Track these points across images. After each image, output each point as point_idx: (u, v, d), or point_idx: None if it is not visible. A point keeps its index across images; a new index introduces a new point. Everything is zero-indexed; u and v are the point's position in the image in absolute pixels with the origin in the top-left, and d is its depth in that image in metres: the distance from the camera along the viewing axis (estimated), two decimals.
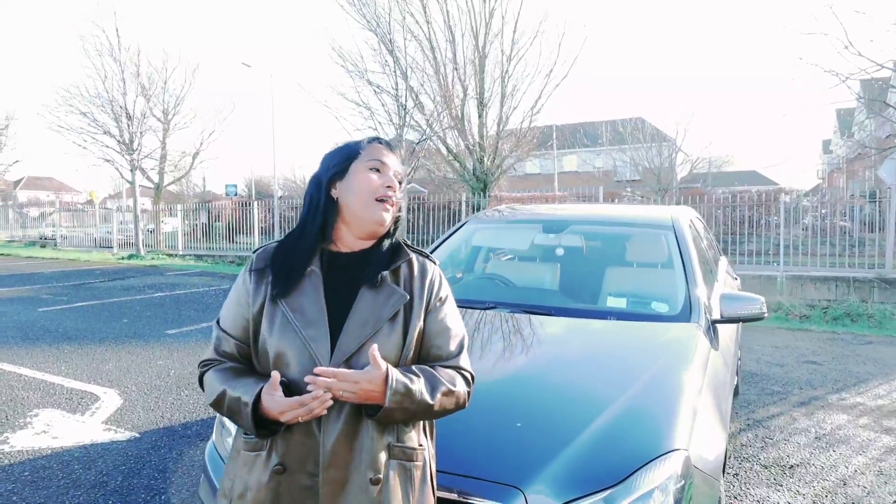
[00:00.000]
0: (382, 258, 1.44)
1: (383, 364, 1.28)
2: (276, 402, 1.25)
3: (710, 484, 1.91)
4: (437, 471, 1.72)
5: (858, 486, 3.32)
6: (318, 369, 1.25)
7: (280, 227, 17.97)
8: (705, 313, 2.76)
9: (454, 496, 1.67)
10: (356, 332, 1.34)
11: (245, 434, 1.39)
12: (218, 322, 1.46)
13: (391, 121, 14.10)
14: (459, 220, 4.04)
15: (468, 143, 14.18)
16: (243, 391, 1.31)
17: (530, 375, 2.27)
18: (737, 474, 3.44)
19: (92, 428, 4.12)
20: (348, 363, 1.32)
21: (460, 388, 1.39)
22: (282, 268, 1.40)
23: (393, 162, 1.46)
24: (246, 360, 1.42)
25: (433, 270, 1.49)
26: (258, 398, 1.28)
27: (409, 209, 15.44)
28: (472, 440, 1.87)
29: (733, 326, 3.44)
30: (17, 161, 26.73)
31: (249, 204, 18.14)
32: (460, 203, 14.25)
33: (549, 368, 2.33)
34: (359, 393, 1.25)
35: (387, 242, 1.48)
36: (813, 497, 3.18)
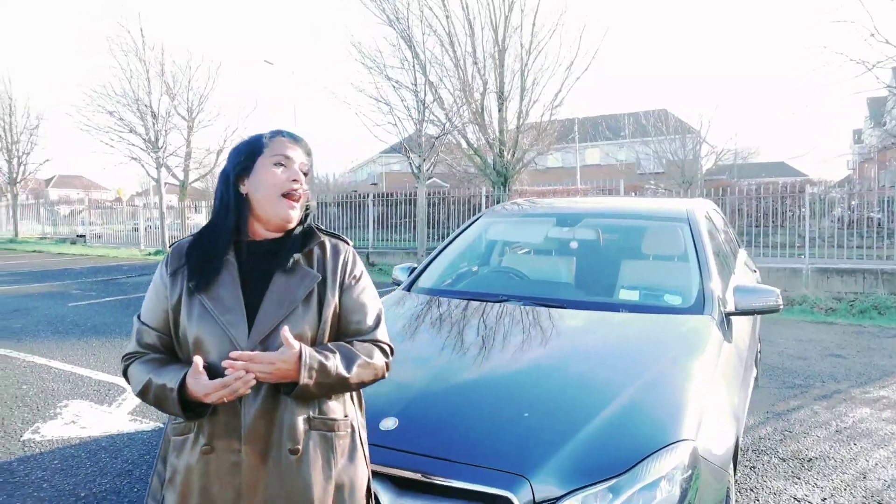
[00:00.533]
0: (295, 243, 1.49)
1: (296, 344, 1.34)
2: (200, 385, 1.30)
3: (719, 475, 1.92)
4: (445, 459, 1.78)
5: (879, 479, 3.28)
6: (233, 353, 1.30)
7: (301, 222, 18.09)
8: (719, 305, 2.75)
9: (461, 484, 1.71)
10: (271, 313, 1.40)
11: (174, 421, 1.45)
12: (139, 316, 1.50)
13: (410, 116, 14.13)
14: None
15: (488, 138, 14.16)
16: (168, 378, 1.36)
17: (539, 367, 2.29)
18: (754, 467, 3.42)
19: (118, 418, 4.24)
20: (265, 344, 1.38)
21: (377, 360, 1.47)
22: (197, 262, 1.45)
23: (297, 154, 1.49)
24: (168, 350, 1.47)
25: (346, 251, 1.56)
26: (183, 383, 1.33)
27: (430, 204, 15.47)
28: (480, 430, 1.90)
29: (750, 319, 3.42)
30: (47, 160, 27.25)
31: None
32: (481, 197, 14.25)
33: (558, 360, 2.35)
34: (274, 373, 1.31)
35: (298, 228, 1.52)
36: (831, 490, 3.16)
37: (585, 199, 4.65)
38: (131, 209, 23.75)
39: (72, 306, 8.89)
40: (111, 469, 3.44)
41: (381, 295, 3.35)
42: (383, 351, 1.51)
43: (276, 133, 1.52)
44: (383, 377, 1.52)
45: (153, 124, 19.48)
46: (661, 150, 25.00)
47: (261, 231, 1.50)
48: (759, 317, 4.36)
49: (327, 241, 1.55)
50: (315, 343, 1.43)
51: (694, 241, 3.14)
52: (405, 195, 16.39)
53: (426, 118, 14.11)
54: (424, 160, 14.19)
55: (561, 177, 32.20)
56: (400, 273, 3.65)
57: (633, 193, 15.61)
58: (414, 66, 13.96)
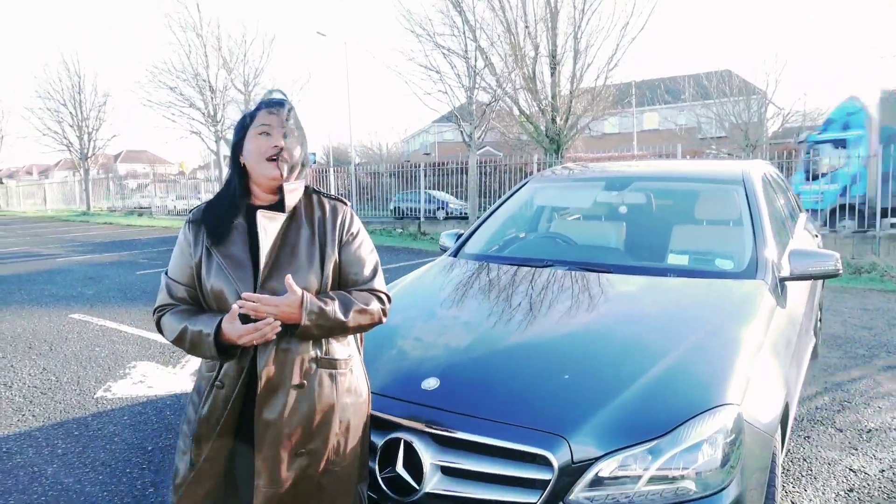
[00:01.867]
0: (279, 205, 1.65)
1: (298, 290, 1.53)
2: (235, 328, 1.50)
3: (764, 441, 1.88)
4: (484, 419, 1.81)
5: None
6: (244, 294, 1.49)
7: (357, 193, 18.38)
8: (773, 270, 2.66)
9: (499, 443, 1.74)
10: (279, 269, 1.59)
11: (207, 362, 1.68)
12: (167, 272, 1.71)
13: (461, 83, 14.00)
14: None
15: (540, 104, 13.91)
16: (204, 325, 1.56)
17: (582, 331, 2.28)
18: (808, 436, 3.33)
19: (182, 378, 4.47)
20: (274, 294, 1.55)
21: (374, 306, 1.66)
22: (213, 223, 1.65)
23: (279, 120, 1.63)
24: (195, 302, 1.67)
25: (344, 211, 1.74)
26: (219, 328, 1.53)
27: (482, 172, 15.39)
28: (520, 391, 1.91)
29: (808, 286, 3.29)
30: (115, 136, 28.61)
31: (326, 172, 18.64)
32: (533, 165, 14.07)
33: (602, 324, 2.33)
34: (279, 315, 1.50)
35: (294, 189, 1.66)
36: (890, 462, 3.04)
37: (636, 163, 4.53)
38: (193, 182, 24.58)
39: (139, 274, 9.34)
40: (175, 425, 3.64)
41: (428, 262, 3.40)
42: (380, 299, 1.69)
43: (261, 105, 1.67)
44: (380, 322, 1.71)
45: (211, 98, 20.00)
46: (724, 113, 23.93)
47: (262, 195, 1.68)
48: (819, 284, 4.19)
49: (327, 202, 1.74)
50: (319, 293, 1.62)
51: (749, 204, 3.03)
52: (457, 164, 16.36)
53: (477, 85, 13.97)
54: (476, 128, 14.09)
55: (617, 143, 31.38)
56: (447, 239, 3.67)
57: (687, 158, 15.08)
58: (464, 32, 13.80)
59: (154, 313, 1.70)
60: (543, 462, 1.69)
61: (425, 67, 14.46)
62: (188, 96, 20.44)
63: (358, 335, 1.78)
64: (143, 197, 27.24)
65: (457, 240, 3.58)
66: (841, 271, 2.75)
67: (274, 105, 1.65)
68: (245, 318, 1.52)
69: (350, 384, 1.70)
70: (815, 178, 11.34)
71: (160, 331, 1.68)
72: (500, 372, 2.04)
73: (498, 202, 3.84)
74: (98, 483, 3.00)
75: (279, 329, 1.51)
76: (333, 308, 1.57)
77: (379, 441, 1.90)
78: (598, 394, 1.85)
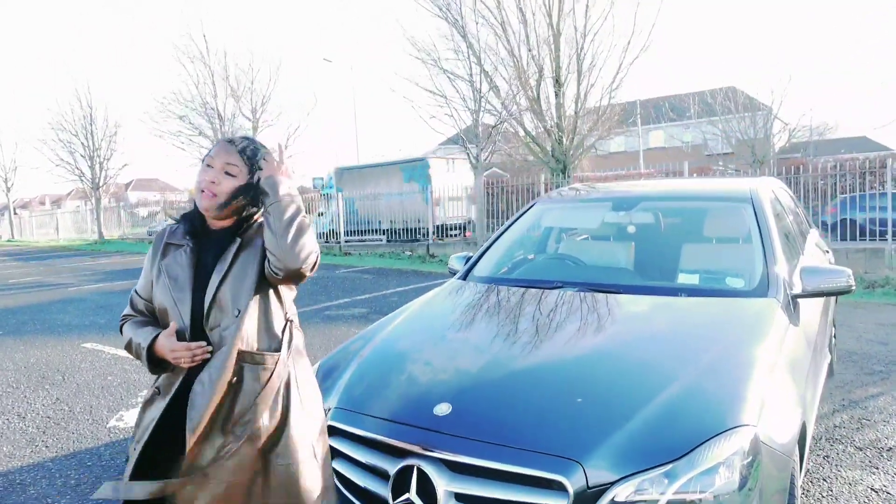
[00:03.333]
0: (234, 232, 1.78)
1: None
2: (168, 343, 1.65)
3: (782, 463, 1.86)
4: (497, 444, 1.80)
5: None
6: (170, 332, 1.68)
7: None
8: (784, 288, 2.64)
9: (513, 468, 1.72)
10: (212, 283, 1.71)
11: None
12: (135, 287, 1.87)
13: (466, 106, 14.12)
14: None
15: (546, 125, 13.98)
16: (142, 338, 1.71)
17: (594, 353, 2.28)
18: (827, 456, 3.28)
19: None
20: (209, 313, 1.69)
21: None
22: (165, 245, 1.81)
23: (221, 156, 1.74)
24: (152, 315, 1.81)
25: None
26: (153, 343, 1.69)
27: (489, 194, 15.43)
28: (533, 415, 1.90)
29: (821, 302, 3.27)
30: (125, 165, 28.79)
31: (334, 195, 18.74)
32: (540, 185, 14.11)
33: (614, 346, 2.33)
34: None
35: (239, 221, 1.79)
36: None
37: (643, 182, 4.54)
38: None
39: None
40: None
41: (435, 286, 3.40)
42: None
43: (216, 143, 1.81)
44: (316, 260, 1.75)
45: (220, 126, 20.24)
46: (730, 130, 23.92)
47: (212, 221, 1.80)
48: (832, 301, 4.16)
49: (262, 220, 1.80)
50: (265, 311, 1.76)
51: (758, 221, 3.02)
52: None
53: (482, 108, 14.08)
54: (482, 150, 14.17)
55: (623, 161, 31.45)
56: (456, 262, 3.68)
57: (693, 175, 15.07)
58: (468, 57, 13.96)
59: (120, 321, 1.86)
60: (558, 487, 1.68)
61: (431, 91, 14.62)
62: (197, 125, 20.75)
63: (288, 336, 1.80)
64: (153, 225, 27.47)
65: (466, 262, 3.59)
66: (853, 287, 2.72)
67: (222, 143, 1.79)
68: (182, 336, 1.69)
69: (268, 378, 1.71)
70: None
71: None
72: (512, 396, 2.04)
73: (506, 224, 3.85)
74: None
75: (208, 356, 1.65)
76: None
77: (392, 468, 1.89)
78: (611, 417, 1.84)
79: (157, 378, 1.77)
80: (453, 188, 16.57)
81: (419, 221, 17.21)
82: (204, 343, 1.65)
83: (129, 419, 4.25)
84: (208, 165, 1.74)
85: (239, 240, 1.76)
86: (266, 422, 1.70)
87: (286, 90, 39.27)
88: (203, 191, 1.73)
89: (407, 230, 17.37)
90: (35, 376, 5.41)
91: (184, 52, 20.42)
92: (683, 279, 2.90)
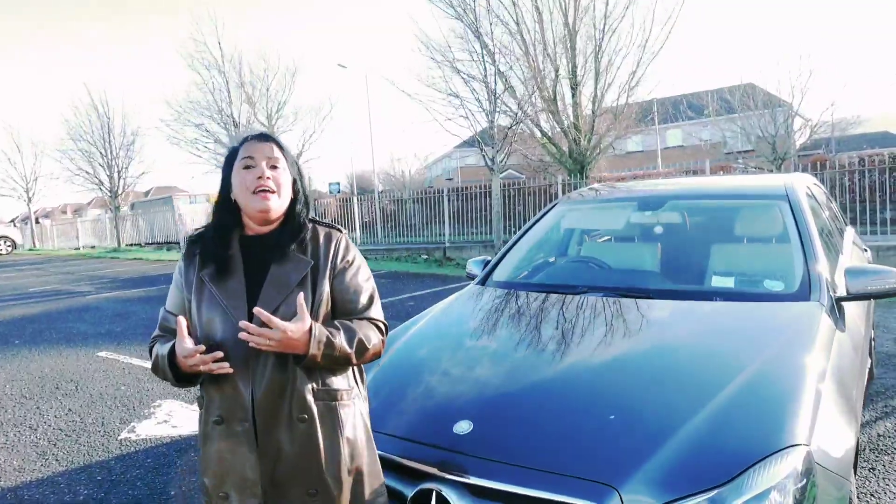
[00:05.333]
0: (287, 235, 1.62)
1: (308, 316, 1.48)
2: (182, 347, 1.47)
3: (838, 484, 1.68)
4: (524, 467, 1.65)
5: None
6: (255, 309, 1.42)
7: (381, 221, 18.38)
8: (828, 290, 2.46)
9: (542, 495, 1.57)
10: (270, 298, 1.53)
11: (198, 399, 1.64)
12: (164, 306, 1.69)
13: (482, 108, 13.97)
14: None
15: (562, 125, 13.80)
16: (165, 349, 1.55)
17: (625, 364, 2.11)
18: (873, 468, 3.08)
19: None
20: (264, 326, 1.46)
21: (375, 338, 1.61)
22: (205, 255, 1.62)
23: (262, 152, 1.59)
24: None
25: (338, 238, 1.68)
26: (173, 349, 1.51)
27: (505, 196, 15.28)
28: (561, 434, 1.75)
29: (862, 304, 3.07)
30: (143, 173, 28.99)
31: (350, 200, 18.71)
32: (557, 186, 13.91)
33: (645, 356, 2.16)
34: (283, 340, 1.42)
35: (291, 220, 1.65)
36: None
37: (669, 181, 4.36)
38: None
39: None
40: (198, 468, 3.52)
41: (457, 290, 3.26)
42: (379, 329, 1.65)
43: (244, 139, 1.64)
44: (380, 355, 1.66)
45: (235, 133, 20.28)
46: (749, 127, 23.50)
47: (253, 226, 1.64)
48: (872, 302, 3.94)
49: (321, 230, 1.68)
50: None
51: (795, 219, 2.84)
52: (480, 188, 16.27)
53: (498, 109, 13.92)
54: (498, 152, 14.02)
55: (641, 161, 31.10)
56: (474, 267, 3.53)
57: (721, 173, 14.77)
58: (483, 57, 13.80)
59: (149, 342, 1.69)
60: None
61: (445, 94, 14.49)
62: (213, 132, 20.80)
63: (357, 368, 1.70)
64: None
65: (484, 267, 3.44)
66: None
67: (257, 138, 1.63)
68: (220, 349, 1.49)
69: (352, 418, 1.61)
70: None
71: None
72: (537, 412, 1.88)
73: (525, 227, 3.70)
74: None
75: (224, 371, 1.46)
76: (341, 339, 1.53)
77: (409, 491, 1.75)
78: (649, 436, 1.68)
79: (205, 407, 1.59)
80: None
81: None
82: (221, 354, 1.46)
83: (142, 431, 4.15)
84: (248, 166, 1.58)
85: (288, 249, 1.60)
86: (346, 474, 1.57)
87: (301, 95, 39.32)
88: (260, 190, 1.56)
89: None
90: (49, 386, 5.35)
91: (199, 59, 20.53)
92: (717, 282, 2.72)
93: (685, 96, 32.92)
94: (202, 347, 1.46)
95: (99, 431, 4.19)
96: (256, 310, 1.42)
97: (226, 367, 1.46)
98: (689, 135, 35.34)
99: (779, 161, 18.69)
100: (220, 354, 1.46)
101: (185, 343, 1.46)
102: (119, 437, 4.06)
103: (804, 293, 2.45)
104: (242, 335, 1.41)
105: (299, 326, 1.45)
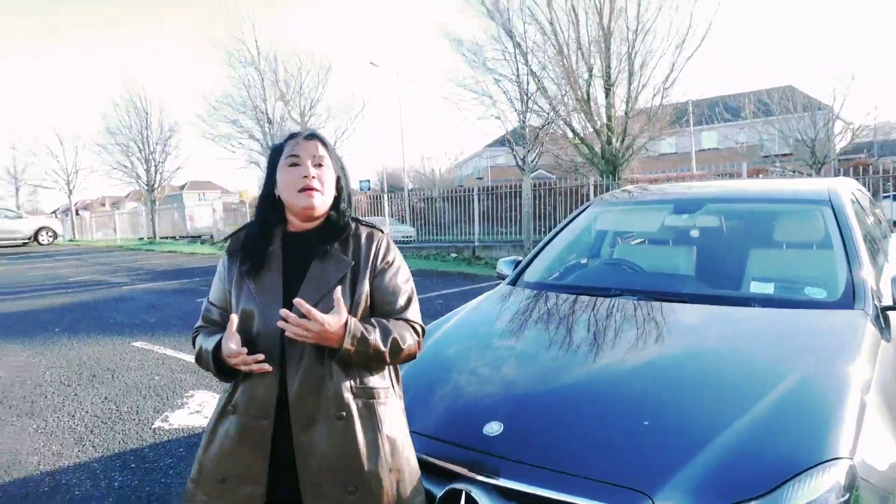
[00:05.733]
0: (329, 233, 1.64)
1: (345, 311, 1.48)
2: (227, 346, 1.49)
3: (883, 499, 1.63)
4: (555, 471, 1.63)
5: None
6: (297, 301, 1.42)
7: (411, 219, 18.45)
8: (873, 299, 2.38)
9: (573, 499, 1.55)
10: (308, 295, 1.53)
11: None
12: (208, 297, 1.74)
13: (513, 107, 13.92)
14: None
15: (595, 125, 13.67)
16: (210, 343, 1.57)
17: (661, 369, 2.07)
18: None
19: None
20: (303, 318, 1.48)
21: (410, 339, 1.60)
22: (247, 250, 1.64)
23: (308, 150, 1.61)
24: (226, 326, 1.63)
25: (379, 238, 1.69)
26: (219, 346, 1.53)
27: (536, 196, 15.21)
28: (593, 439, 1.73)
29: None
30: (179, 167, 29.60)
31: (380, 198, 18.81)
32: (589, 187, 13.79)
33: (681, 361, 2.12)
34: (320, 332, 1.43)
35: (334, 218, 1.66)
36: None
37: (706, 183, 4.28)
38: (253, 210, 25.26)
39: (199, 302, 9.51)
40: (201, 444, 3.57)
41: (485, 289, 3.25)
42: (415, 330, 1.64)
43: (290, 137, 1.66)
44: (415, 356, 1.65)
45: (269, 129, 20.56)
46: (788, 130, 22.96)
47: (297, 223, 1.66)
48: None
49: (363, 230, 1.69)
50: None
51: (839, 224, 2.76)
52: (510, 188, 16.23)
53: (529, 109, 13.85)
54: (529, 151, 13.95)
55: (675, 163, 30.65)
56: (504, 267, 3.52)
57: (759, 177, 14.48)
58: (515, 57, 13.75)
59: (192, 334, 1.74)
60: None
61: (477, 93, 14.48)
62: (248, 128, 21.12)
63: (394, 367, 1.71)
64: (204, 226, 28.15)
65: (515, 267, 3.42)
66: None
67: (303, 135, 1.65)
68: (253, 344, 1.52)
69: (390, 417, 1.62)
70: None
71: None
72: (568, 415, 1.86)
73: (557, 227, 3.67)
74: None
75: (265, 370, 1.48)
76: (375, 336, 1.53)
77: (438, 491, 1.74)
78: (684, 444, 1.64)
79: (227, 393, 1.62)
80: None
81: None
82: (262, 357, 1.48)
83: (174, 420, 4.23)
84: (293, 164, 1.60)
85: (330, 247, 1.62)
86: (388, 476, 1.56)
87: (334, 93, 39.69)
88: (305, 189, 1.58)
89: None
90: (86, 374, 5.49)
91: (236, 57, 20.86)
92: (756, 288, 2.65)
93: (721, 98, 32.33)
94: (245, 350, 1.47)
95: (133, 420, 4.28)
96: (297, 301, 1.42)
97: (266, 367, 1.48)
98: (725, 137, 34.72)
99: (818, 165, 18.25)
100: (261, 357, 1.48)
101: (231, 343, 1.48)
102: (153, 426, 4.14)
103: (848, 301, 2.38)
104: (280, 324, 1.43)
105: (336, 320, 1.45)
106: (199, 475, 1.61)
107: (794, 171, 19.00)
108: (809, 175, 15.96)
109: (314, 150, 1.61)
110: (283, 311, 1.42)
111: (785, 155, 24.63)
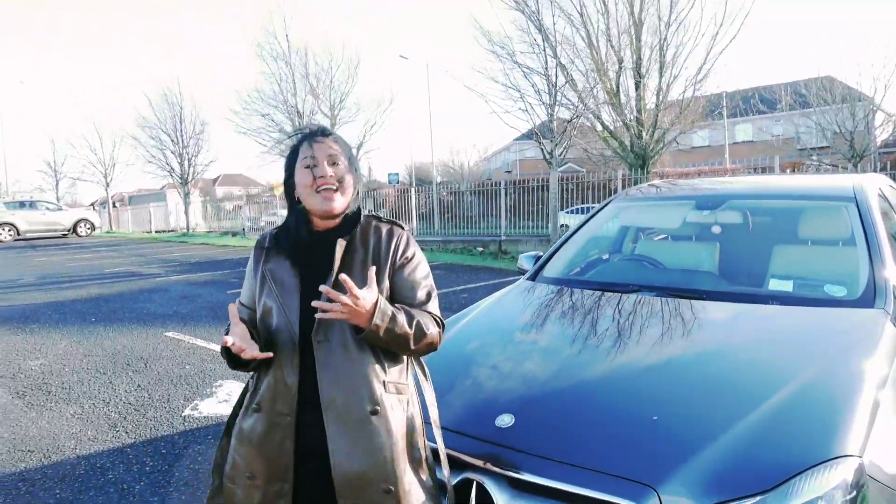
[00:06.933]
0: (343, 230, 1.67)
1: (376, 289, 1.51)
2: (233, 331, 1.51)
3: (892, 499, 1.62)
4: (563, 462, 1.67)
5: None
6: (342, 277, 1.44)
7: (439, 212, 18.50)
8: (894, 298, 2.36)
9: (579, 490, 1.59)
10: (337, 285, 1.54)
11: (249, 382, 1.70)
12: (239, 298, 1.76)
13: (541, 101, 13.84)
14: None
15: (624, 118, 13.52)
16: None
17: (673, 365, 2.09)
18: None
19: None
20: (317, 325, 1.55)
21: (433, 328, 1.63)
22: (271, 250, 1.69)
23: (323, 151, 1.63)
24: (254, 324, 1.67)
25: (399, 234, 1.71)
26: (227, 333, 1.53)
27: (564, 190, 15.12)
28: (603, 433, 1.76)
29: None
30: (212, 161, 30.18)
31: (408, 191, 18.90)
32: (617, 181, 13.67)
33: (695, 358, 2.13)
34: (353, 309, 1.44)
35: (352, 214, 1.69)
36: None
37: (730, 179, 4.23)
38: (283, 203, 25.63)
39: (230, 293, 9.73)
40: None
41: (510, 284, 3.28)
42: (436, 322, 1.66)
43: (302, 138, 1.68)
44: (436, 347, 1.67)
45: (299, 123, 20.80)
46: (826, 122, 22.37)
47: (319, 223, 1.69)
48: None
49: (383, 226, 1.72)
50: None
51: (863, 222, 2.72)
52: (538, 182, 16.15)
53: (558, 102, 13.76)
54: (557, 145, 13.87)
55: (708, 156, 30.13)
56: (525, 262, 3.54)
57: (790, 171, 14.17)
58: (544, 50, 13.66)
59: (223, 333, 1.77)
60: None
61: (505, 86, 14.44)
62: (278, 122, 21.42)
63: (415, 362, 1.74)
64: (234, 219, 28.68)
65: (535, 262, 3.45)
66: None
67: (314, 135, 1.67)
68: (274, 338, 1.58)
69: (413, 412, 1.65)
70: None
71: None
72: (580, 410, 1.89)
73: (579, 222, 3.68)
74: (180, 503, 3.05)
75: (265, 356, 1.52)
76: (402, 318, 1.55)
77: (451, 481, 1.79)
78: (692, 438, 1.66)
79: (251, 391, 1.64)
80: None
81: None
82: (271, 354, 1.53)
83: (204, 408, 4.37)
84: (309, 165, 1.61)
85: (345, 242, 1.64)
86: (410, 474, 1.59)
87: (363, 87, 39.91)
88: (322, 189, 1.60)
89: None
90: (120, 362, 5.68)
91: (267, 51, 21.13)
92: (775, 285, 2.64)
93: (756, 89, 31.56)
94: (242, 346, 1.49)
95: (164, 407, 4.43)
96: (342, 277, 1.43)
97: (268, 354, 1.53)
98: (760, 130, 33.94)
99: (857, 158, 17.76)
100: (261, 355, 1.52)
101: (237, 329, 1.52)
102: (183, 414, 4.29)
103: (868, 300, 2.35)
104: (315, 303, 1.44)
105: (370, 295, 1.47)
106: (233, 470, 1.64)
107: (831, 165, 18.51)
108: (845, 169, 15.54)
109: (328, 150, 1.63)
110: (323, 288, 1.42)
111: (822, 148, 24.02)
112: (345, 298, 1.43)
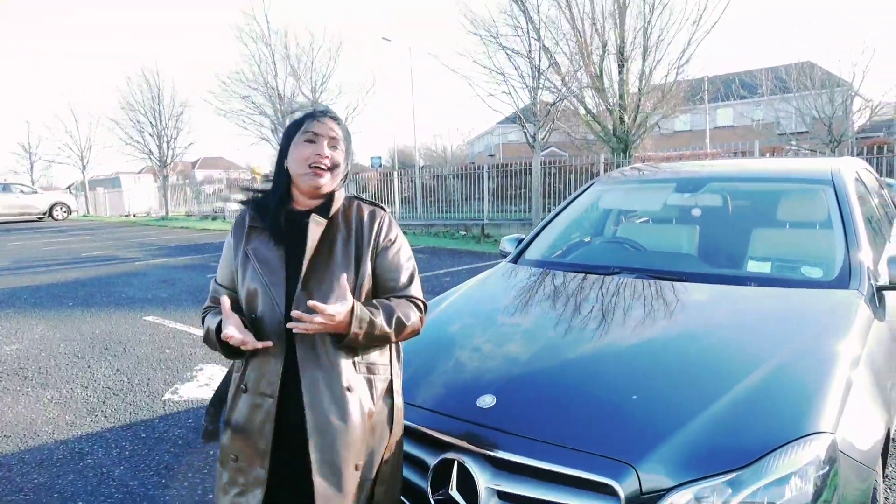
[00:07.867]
0: (327, 210, 1.65)
1: (350, 297, 1.50)
2: (227, 328, 1.49)
3: (863, 473, 1.67)
4: (544, 441, 1.68)
5: None
6: (311, 303, 1.42)
7: (421, 196, 18.44)
8: (868, 278, 2.40)
9: (560, 469, 1.60)
10: (316, 276, 1.58)
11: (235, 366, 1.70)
12: (215, 278, 1.76)
13: (525, 84, 13.79)
14: None
15: (607, 102, 13.53)
16: (214, 322, 1.60)
17: (652, 346, 2.11)
18: None
19: None
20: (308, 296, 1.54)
21: (414, 317, 1.64)
22: (249, 227, 1.67)
23: (325, 129, 1.62)
24: (235, 304, 1.64)
25: (381, 216, 1.71)
26: (220, 324, 1.55)
27: (546, 174, 15.13)
28: (583, 412, 1.78)
29: None
30: (191, 144, 29.66)
31: (391, 175, 18.81)
32: (599, 165, 13.71)
33: (674, 338, 2.15)
34: (329, 324, 1.44)
35: (334, 196, 1.67)
36: None
37: (710, 162, 4.26)
38: (265, 186, 25.32)
39: (210, 277, 9.63)
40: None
41: (488, 267, 3.28)
42: (418, 307, 1.67)
43: (309, 114, 1.66)
44: (418, 332, 1.68)
45: (279, 105, 20.53)
46: (805, 107, 22.54)
47: (302, 200, 1.67)
48: None
49: (366, 208, 1.71)
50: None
51: (839, 205, 2.76)
52: (521, 165, 16.16)
53: (541, 85, 13.73)
54: (540, 129, 13.86)
55: (689, 140, 30.30)
56: (507, 244, 3.55)
57: (768, 155, 14.32)
58: (528, 32, 13.59)
59: (200, 314, 1.77)
60: (608, 492, 1.55)
61: (488, 69, 14.36)
62: (259, 104, 21.12)
63: (395, 345, 1.75)
64: (216, 202, 28.35)
65: (517, 245, 3.45)
66: None
67: (322, 114, 1.65)
68: (260, 323, 1.58)
69: (386, 391, 1.68)
70: None
71: None
72: (560, 390, 1.91)
73: (561, 205, 3.68)
74: (161, 486, 3.04)
75: (260, 346, 1.52)
76: (380, 319, 1.56)
77: (432, 461, 1.80)
78: (670, 417, 1.69)
79: (240, 370, 1.63)
80: None
81: None
82: (270, 344, 1.53)
83: (184, 392, 4.34)
84: (309, 140, 1.60)
85: (325, 220, 1.63)
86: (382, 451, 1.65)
87: (346, 69, 39.41)
88: (315, 166, 1.59)
89: None
90: (99, 347, 5.62)
91: (247, 32, 20.77)
92: (753, 267, 2.68)
93: (738, 74, 31.75)
94: (240, 337, 1.48)
95: (144, 392, 4.40)
96: (311, 303, 1.42)
97: (267, 344, 1.53)
98: (741, 114, 34.17)
99: (834, 143, 17.97)
100: (260, 345, 1.51)
101: (230, 327, 1.49)
102: (163, 398, 4.25)
103: (843, 281, 2.39)
104: (290, 324, 1.46)
105: (343, 308, 1.47)
106: (222, 454, 1.66)
107: (809, 150, 18.71)
108: (824, 154, 15.74)
109: (331, 132, 1.62)
110: (295, 313, 1.44)
111: (801, 133, 24.26)
112: (318, 319, 1.42)
